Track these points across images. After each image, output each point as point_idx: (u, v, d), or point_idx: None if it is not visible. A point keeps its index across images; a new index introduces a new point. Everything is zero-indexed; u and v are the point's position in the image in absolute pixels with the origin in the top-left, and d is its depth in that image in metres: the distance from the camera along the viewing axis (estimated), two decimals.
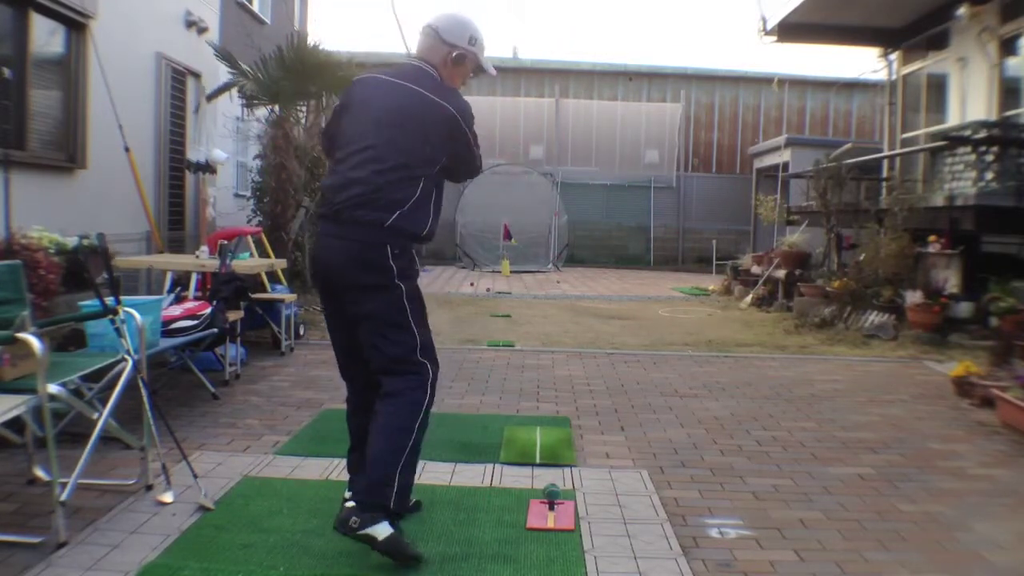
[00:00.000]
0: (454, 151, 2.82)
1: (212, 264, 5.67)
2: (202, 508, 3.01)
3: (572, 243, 17.49)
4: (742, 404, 4.97)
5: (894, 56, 11.78)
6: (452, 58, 2.87)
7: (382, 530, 2.55)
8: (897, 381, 5.80)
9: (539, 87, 18.77)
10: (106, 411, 3.05)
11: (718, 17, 56.91)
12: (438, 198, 2.84)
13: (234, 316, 5.01)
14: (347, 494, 2.94)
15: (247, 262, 6.20)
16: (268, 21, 12.41)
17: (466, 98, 2.92)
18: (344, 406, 3.04)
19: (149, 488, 3.19)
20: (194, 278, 6.08)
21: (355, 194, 2.68)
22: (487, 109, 18.20)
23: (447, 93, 2.80)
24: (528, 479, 3.49)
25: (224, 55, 8.47)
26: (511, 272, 15.00)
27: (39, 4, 6.03)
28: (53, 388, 2.76)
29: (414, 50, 2.98)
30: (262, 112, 8.86)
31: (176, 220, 8.95)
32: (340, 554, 2.68)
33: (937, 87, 10.64)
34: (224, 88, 8.60)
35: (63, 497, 2.71)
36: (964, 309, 7.51)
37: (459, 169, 2.93)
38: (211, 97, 8.89)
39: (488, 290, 11.89)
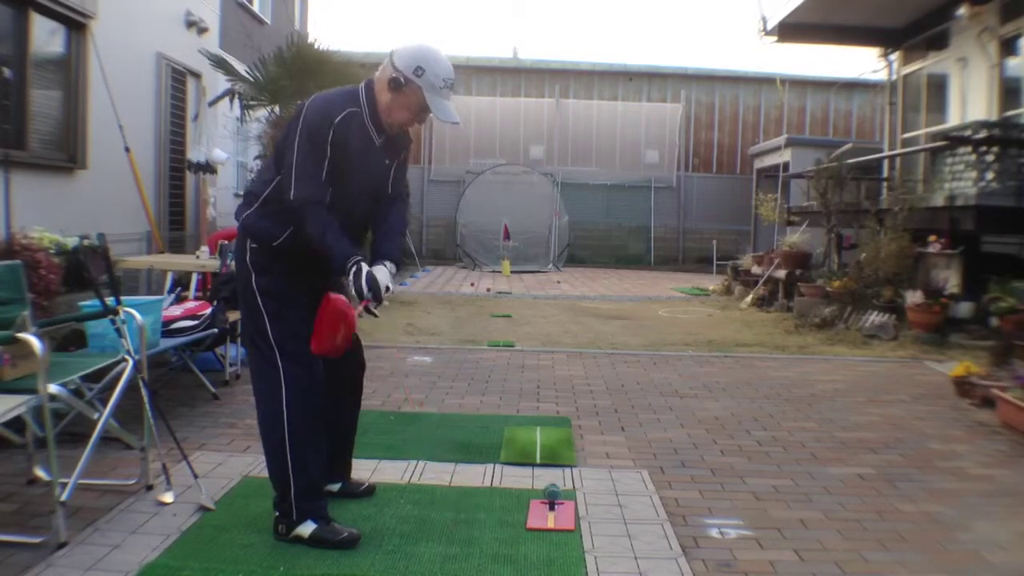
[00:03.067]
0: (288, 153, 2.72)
1: (212, 264, 5.67)
2: (202, 508, 3.01)
3: (572, 243, 17.48)
4: (742, 404, 4.98)
5: (894, 56, 11.78)
6: (388, 81, 2.77)
7: (306, 529, 2.74)
8: (897, 381, 5.80)
9: (539, 87, 18.76)
10: (106, 411, 3.05)
11: (718, 17, 56.92)
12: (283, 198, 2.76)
13: (234, 316, 5.00)
14: (334, 487, 3.11)
15: None
16: (268, 21, 12.41)
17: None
18: None
19: (149, 488, 3.19)
20: (194, 278, 6.08)
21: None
22: (487, 109, 18.23)
23: (316, 99, 2.78)
24: (528, 479, 3.49)
25: (219, 62, 8.48)
26: (511, 272, 15.00)
27: (39, 4, 6.03)
28: (53, 388, 2.76)
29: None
30: (262, 112, 8.86)
31: (176, 220, 8.95)
32: (340, 554, 2.68)
33: (937, 87, 10.64)
34: (224, 95, 8.60)
35: (63, 497, 2.71)
36: (964, 309, 7.51)
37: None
38: (212, 103, 8.90)
39: (488, 290, 11.89)
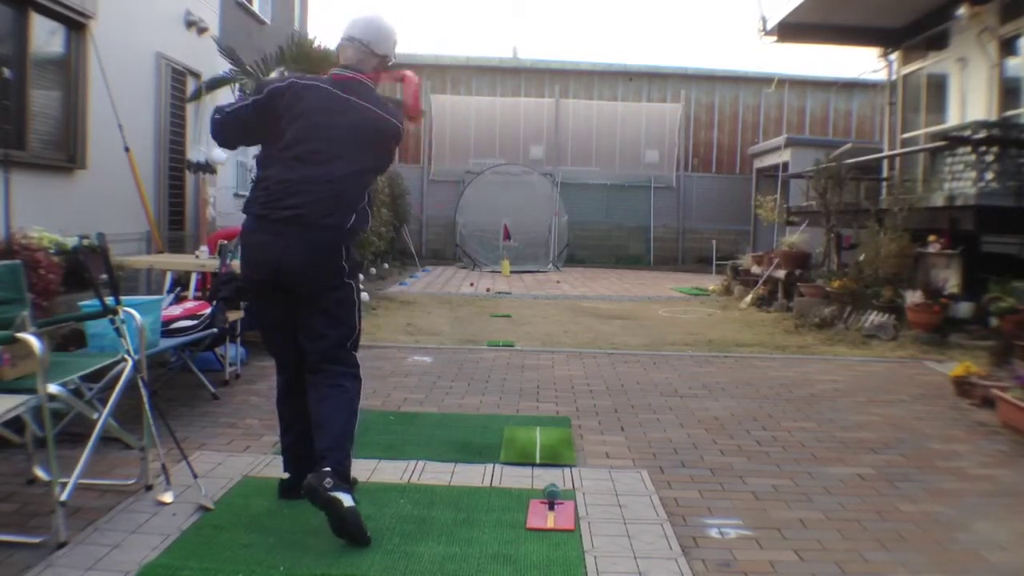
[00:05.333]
0: (385, 158, 3.14)
1: (212, 264, 5.67)
2: (202, 508, 3.01)
3: (572, 243, 17.49)
4: (742, 404, 4.97)
5: (894, 56, 11.78)
6: (388, 67, 3.11)
7: (349, 499, 2.73)
8: (897, 381, 5.80)
9: (539, 87, 18.76)
10: (106, 411, 3.05)
11: (718, 17, 56.93)
12: (370, 199, 3.12)
13: (234, 316, 5.00)
14: (285, 475, 3.15)
15: None
16: (268, 21, 12.41)
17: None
18: None
19: (149, 488, 3.19)
20: (194, 278, 6.08)
21: (319, 201, 2.86)
22: (487, 109, 18.23)
23: (390, 108, 3.06)
24: (528, 479, 3.49)
25: (227, 51, 8.46)
26: (511, 272, 15.00)
27: (39, 4, 6.02)
28: (53, 388, 2.76)
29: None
30: None
31: (176, 220, 8.94)
32: (340, 554, 2.68)
33: (937, 87, 10.64)
34: (224, 81, 8.56)
35: (63, 497, 2.71)
36: (964, 309, 7.50)
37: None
38: (210, 87, 8.83)
39: (488, 290, 11.89)
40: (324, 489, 2.67)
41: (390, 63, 3.10)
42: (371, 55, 3.00)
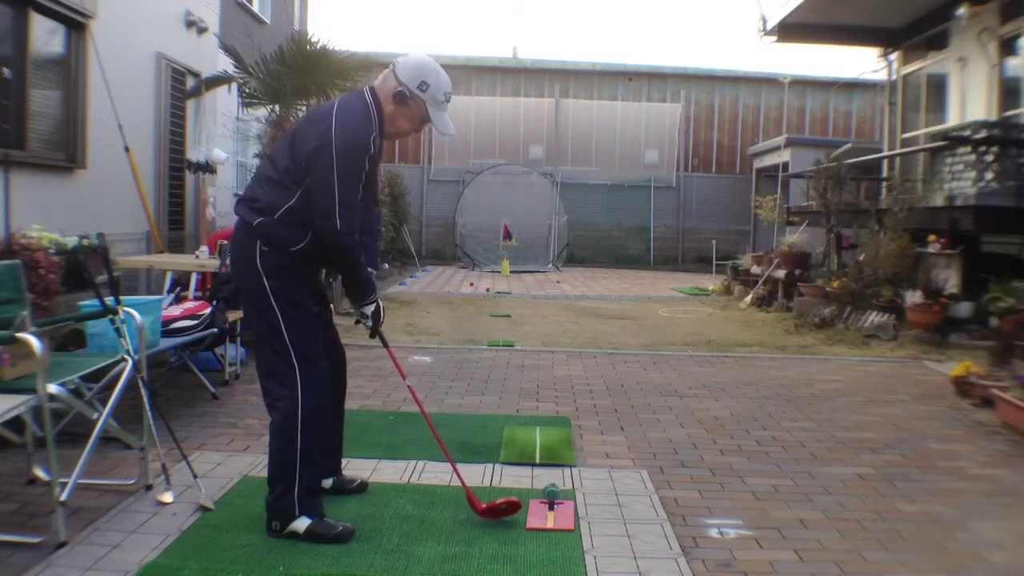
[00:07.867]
0: (312, 176, 2.74)
1: (212, 264, 5.67)
2: (202, 508, 3.01)
3: (572, 243, 17.48)
4: (742, 404, 4.97)
5: (894, 56, 11.79)
6: (393, 94, 2.86)
7: (301, 524, 2.78)
8: (897, 381, 5.80)
9: (539, 87, 18.76)
10: (106, 411, 3.05)
11: (718, 17, 56.93)
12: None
13: (234, 316, 5.00)
14: (326, 483, 3.14)
15: None
16: (268, 21, 12.41)
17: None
18: None
19: (149, 488, 3.19)
20: (194, 278, 6.08)
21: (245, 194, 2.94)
22: (487, 109, 18.22)
23: (344, 120, 2.74)
24: (528, 479, 3.49)
25: (229, 49, 8.46)
26: (511, 272, 14.99)
27: (39, 4, 6.02)
28: (53, 388, 2.76)
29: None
30: (262, 112, 8.84)
31: (176, 220, 8.94)
32: (340, 554, 2.68)
33: (937, 87, 10.65)
34: (223, 80, 8.54)
35: (63, 497, 2.71)
36: (964, 309, 7.51)
37: (312, 199, 2.75)
38: (209, 85, 8.81)
39: (488, 290, 11.89)
40: (277, 532, 2.79)
41: (405, 99, 2.85)
42: (392, 77, 2.88)
